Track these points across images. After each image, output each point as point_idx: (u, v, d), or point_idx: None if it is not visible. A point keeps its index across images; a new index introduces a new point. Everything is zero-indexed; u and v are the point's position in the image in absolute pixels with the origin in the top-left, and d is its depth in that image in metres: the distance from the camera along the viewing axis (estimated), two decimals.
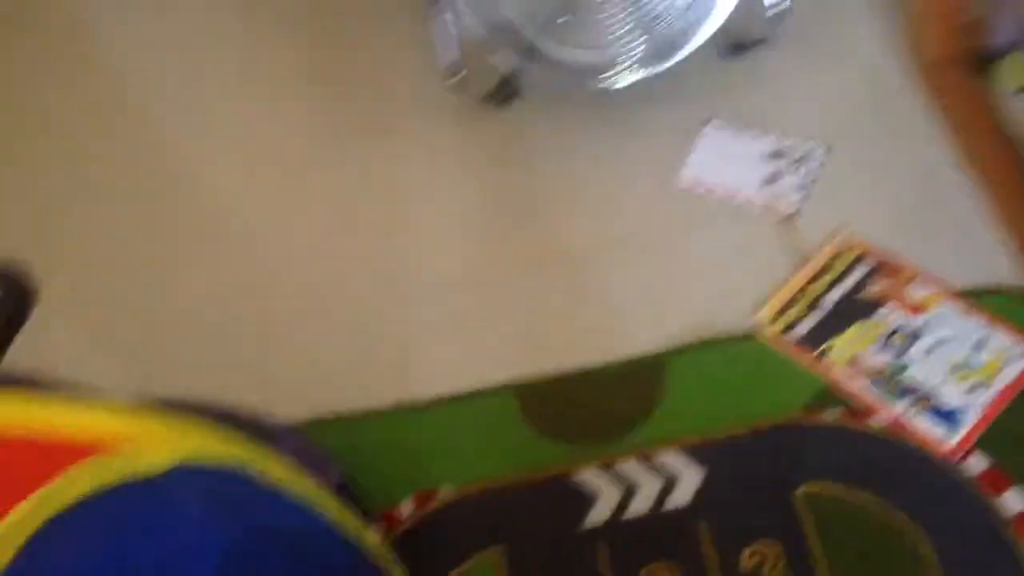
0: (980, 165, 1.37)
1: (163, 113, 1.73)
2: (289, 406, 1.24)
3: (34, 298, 0.88)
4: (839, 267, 1.34)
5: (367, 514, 1.10)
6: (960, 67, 1.45)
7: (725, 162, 1.49)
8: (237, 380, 1.34)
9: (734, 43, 1.60)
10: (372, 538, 1.00)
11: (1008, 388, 1.20)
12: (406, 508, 1.22)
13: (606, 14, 1.44)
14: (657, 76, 1.48)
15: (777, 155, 1.48)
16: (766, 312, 1.32)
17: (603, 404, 1.27)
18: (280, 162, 1.63)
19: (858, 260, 1.34)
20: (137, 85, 1.78)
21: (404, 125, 1.64)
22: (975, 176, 1.38)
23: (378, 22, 1.79)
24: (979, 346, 1.24)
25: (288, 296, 1.46)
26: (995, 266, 1.32)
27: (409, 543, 1.19)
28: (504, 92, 1.62)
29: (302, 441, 1.19)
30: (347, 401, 1.32)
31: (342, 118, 1.67)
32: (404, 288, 1.44)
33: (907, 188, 1.41)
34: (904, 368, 1.24)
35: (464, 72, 1.57)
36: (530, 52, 1.48)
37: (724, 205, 1.45)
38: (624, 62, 1.47)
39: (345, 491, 1.07)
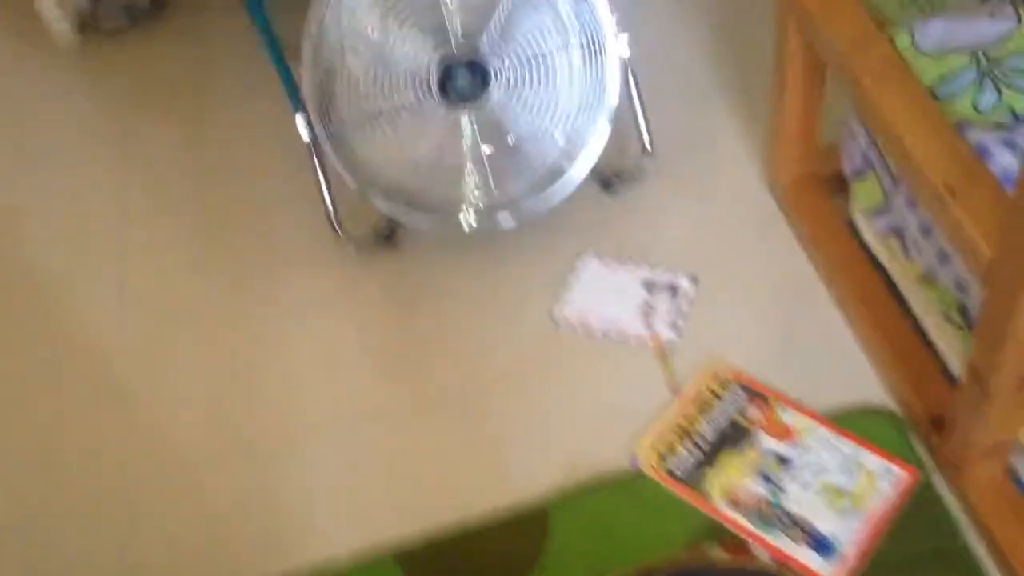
0: (840, 284, 1.42)
1: (41, 266, 1.71)
2: None
3: None
4: (711, 397, 1.37)
5: None
6: (815, 189, 1.51)
7: (601, 295, 1.52)
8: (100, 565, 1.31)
9: (605, 179, 1.64)
10: None
11: (881, 514, 1.23)
12: None
13: (472, 160, 1.48)
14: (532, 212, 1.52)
15: (650, 286, 1.52)
16: (645, 448, 1.33)
17: (489, 561, 1.26)
18: (159, 312, 1.62)
19: (730, 389, 1.37)
20: (12, 240, 1.77)
21: (287, 271, 1.64)
22: (836, 296, 1.43)
23: (263, 173, 1.81)
24: (850, 470, 1.26)
25: (159, 460, 1.43)
26: (861, 386, 1.36)
27: None
28: (384, 235, 1.64)
29: None
30: None
31: (225, 262, 1.67)
32: (279, 442, 1.43)
33: (774, 313, 1.46)
34: (780, 497, 1.26)
35: (339, 218, 1.59)
36: (401, 197, 1.51)
37: (602, 339, 1.47)
38: (495, 204, 1.51)
39: None
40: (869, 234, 1.37)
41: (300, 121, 1.48)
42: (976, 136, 1.13)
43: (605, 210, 1.63)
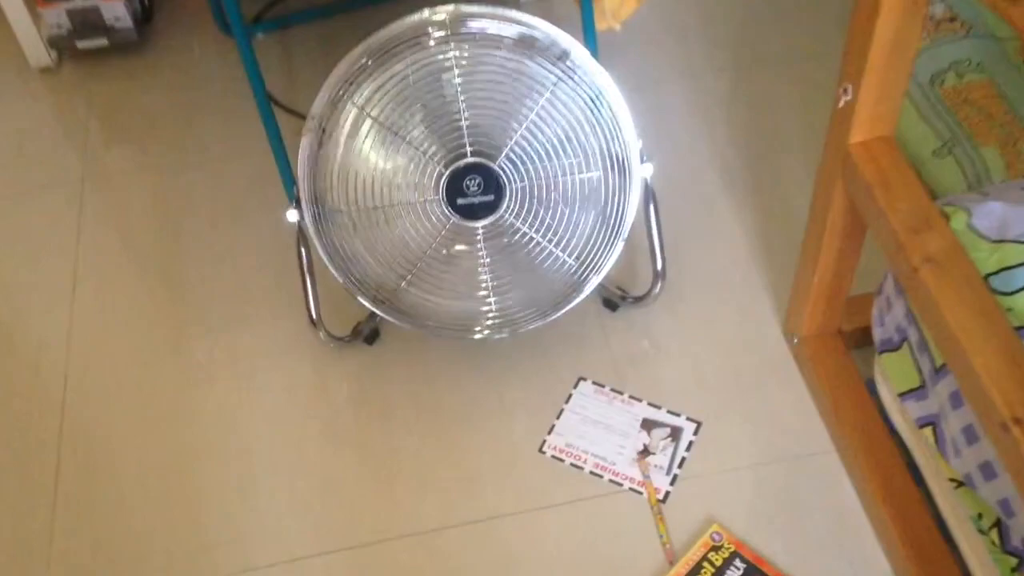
0: (855, 456, 1.32)
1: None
2: None
3: None
4: (709, 569, 1.25)
5: None
6: (836, 347, 1.41)
7: (595, 429, 1.40)
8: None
9: (610, 299, 1.53)
10: None
11: None
12: None
13: (480, 263, 1.36)
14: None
15: (649, 426, 1.40)
16: None
17: None
18: (106, 344, 1.48)
19: (729, 561, 1.26)
20: None
21: (259, 361, 1.51)
22: (850, 468, 1.33)
23: (239, 231, 1.67)
24: None
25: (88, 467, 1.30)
26: (871, 573, 1.25)
27: None
28: (366, 335, 1.51)
29: None
30: None
31: (184, 320, 1.53)
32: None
33: (780, 475, 1.35)
34: None
35: (319, 310, 1.46)
36: (391, 298, 1.38)
37: (592, 481, 1.35)
38: (494, 317, 1.39)
39: None
40: (897, 416, 1.27)
41: (290, 210, 1.35)
42: None
43: (608, 334, 1.51)
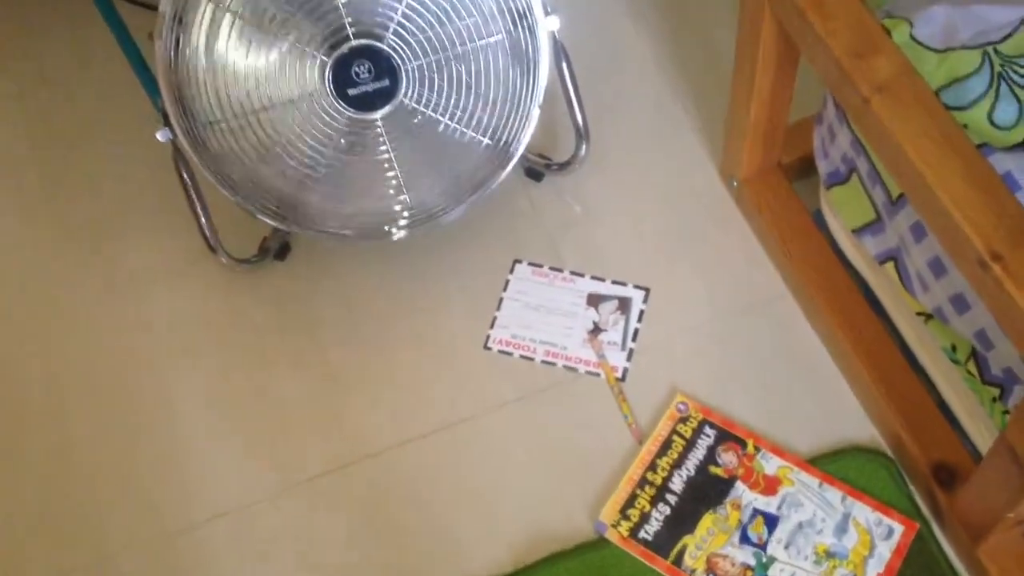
0: (815, 302, 1.25)
1: None
2: None
3: None
4: (679, 442, 1.20)
5: None
6: (780, 183, 1.32)
7: (539, 314, 1.31)
8: None
9: (533, 168, 1.41)
10: None
11: None
12: None
13: (384, 157, 1.23)
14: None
15: (595, 301, 1.32)
16: (610, 510, 1.16)
17: None
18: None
19: (699, 430, 1.20)
20: None
21: (155, 288, 1.37)
22: (811, 314, 1.27)
23: (118, 163, 1.49)
24: (842, 528, 1.12)
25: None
26: (847, 423, 1.20)
27: None
28: (275, 250, 1.38)
29: None
30: None
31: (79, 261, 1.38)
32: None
33: (740, 333, 1.28)
34: (768, 566, 1.11)
35: (216, 233, 1.32)
36: (293, 210, 1.24)
37: (545, 371, 1.27)
38: (410, 212, 1.26)
39: None
40: (852, 251, 1.19)
41: (161, 130, 1.18)
42: (1000, 164, 0.95)
43: (537, 207, 1.39)
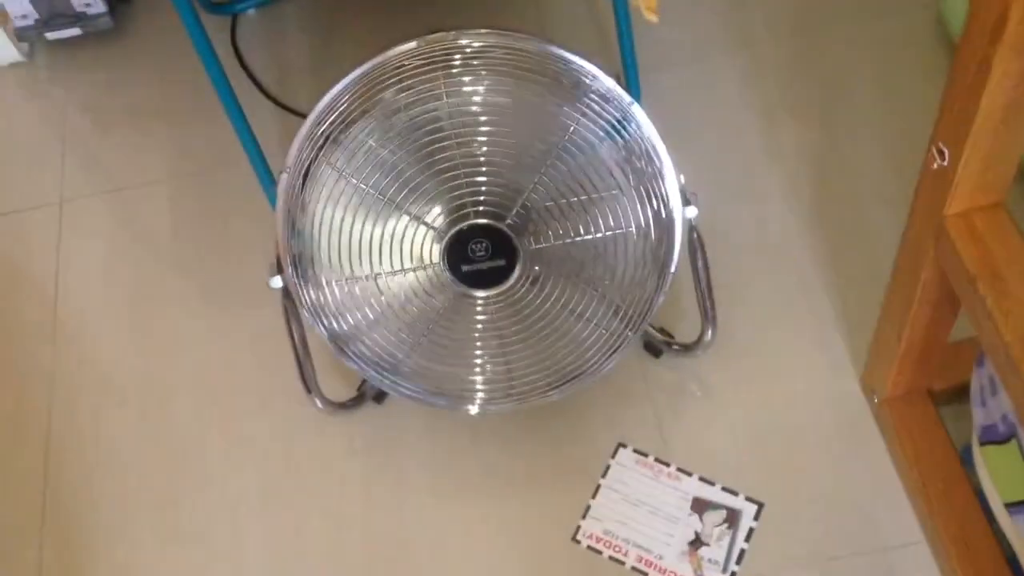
0: (949, 547, 1.10)
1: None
2: None
3: None
4: None
5: None
6: (927, 410, 1.18)
7: (638, 512, 1.21)
8: None
9: (653, 344, 1.31)
10: None
11: None
12: None
13: (487, 331, 1.15)
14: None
15: (701, 507, 1.20)
16: None
17: None
18: None
19: None
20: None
21: (252, 424, 1.33)
22: (943, 561, 1.12)
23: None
24: None
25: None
26: None
27: None
28: (371, 392, 1.32)
29: None
30: None
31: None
32: None
33: (859, 568, 1.14)
34: None
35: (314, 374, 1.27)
36: (388, 366, 1.18)
37: (632, 573, 1.16)
38: (503, 388, 1.18)
39: None
40: (1004, 518, 1.04)
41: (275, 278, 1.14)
42: None
43: (650, 385, 1.28)
